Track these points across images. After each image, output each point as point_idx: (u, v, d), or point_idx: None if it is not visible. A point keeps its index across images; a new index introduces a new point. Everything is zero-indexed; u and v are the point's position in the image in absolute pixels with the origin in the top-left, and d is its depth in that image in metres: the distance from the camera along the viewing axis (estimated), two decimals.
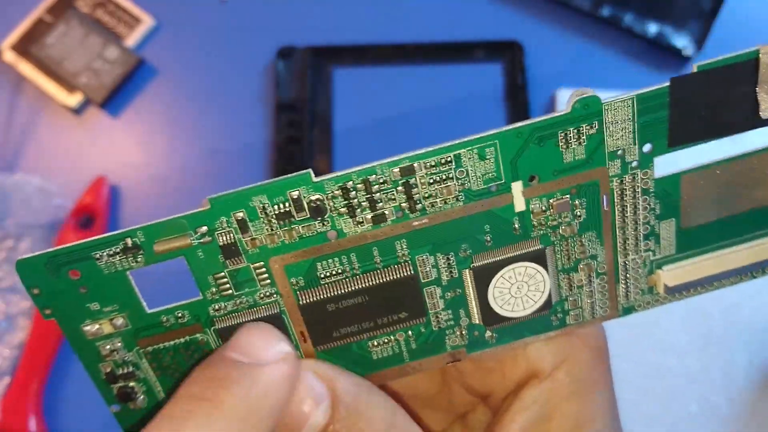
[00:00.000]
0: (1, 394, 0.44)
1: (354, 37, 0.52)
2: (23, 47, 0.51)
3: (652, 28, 0.50)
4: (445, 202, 0.20)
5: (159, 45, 0.52)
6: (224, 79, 0.51)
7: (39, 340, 0.45)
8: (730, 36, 0.51)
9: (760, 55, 0.19)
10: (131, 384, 0.22)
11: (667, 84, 0.19)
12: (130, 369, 0.21)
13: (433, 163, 0.20)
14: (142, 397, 0.22)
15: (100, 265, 0.20)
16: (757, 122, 0.20)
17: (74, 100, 0.50)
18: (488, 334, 0.22)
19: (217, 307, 0.21)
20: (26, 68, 0.50)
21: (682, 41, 0.50)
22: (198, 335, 0.21)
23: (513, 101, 0.49)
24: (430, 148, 0.20)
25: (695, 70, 0.19)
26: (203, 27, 0.53)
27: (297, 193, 0.20)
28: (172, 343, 0.21)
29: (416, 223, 0.20)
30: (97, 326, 0.21)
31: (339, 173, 0.20)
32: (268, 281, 0.21)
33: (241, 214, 0.20)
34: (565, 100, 0.48)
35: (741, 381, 0.43)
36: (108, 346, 0.21)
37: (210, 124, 0.51)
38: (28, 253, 0.46)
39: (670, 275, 0.22)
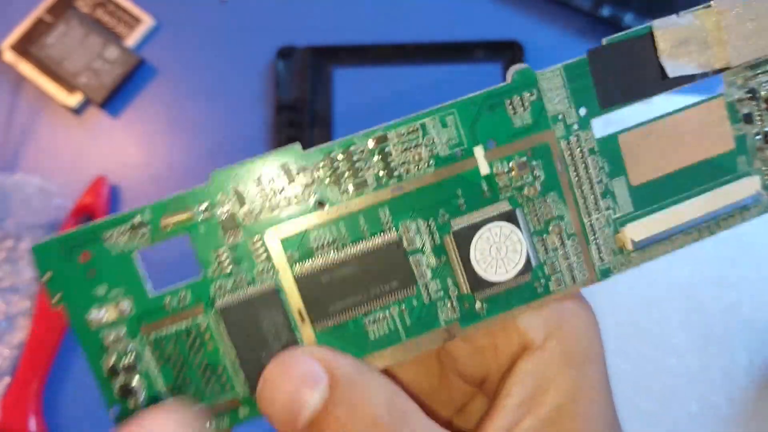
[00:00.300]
0: (1, 394, 0.44)
1: (354, 37, 0.52)
2: (23, 47, 0.51)
3: None
4: (418, 168, 0.22)
5: (159, 45, 0.52)
6: (224, 79, 0.51)
7: (39, 340, 0.45)
8: None
9: (653, 30, 0.23)
10: (133, 382, 0.22)
11: (585, 56, 0.23)
12: (133, 360, 0.22)
13: (403, 132, 0.22)
14: (142, 396, 0.22)
15: (109, 246, 0.21)
16: (668, 85, 0.23)
17: (74, 100, 0.50)
18: (478, 305, 0.23)
19: (218, 285, 0.22)
20: (26, 68, 0.50)
21: None
22: (200, 317, 0.22)
23: None
24: (400, 119, 0.22)
25: (604, 43, 0.23)
26: (203, 27, 0.53)
27: (288, 164, 0.22)
28: (174, 329, 0.22)
29: (395, 189, 0.22)
30: (103, 311, 0.22)
31: (323, 145, 0.22)
32: (265, 255, 0.22)
33: (239, 187, 0.22)
34: None
35: (741, 380, 0.43)
36: (112, 335, 0.22)
37: (210, 124, 0.51)
38: (27, 252, 0.47)
39: (634, 231, 0.23)
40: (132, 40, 0.51)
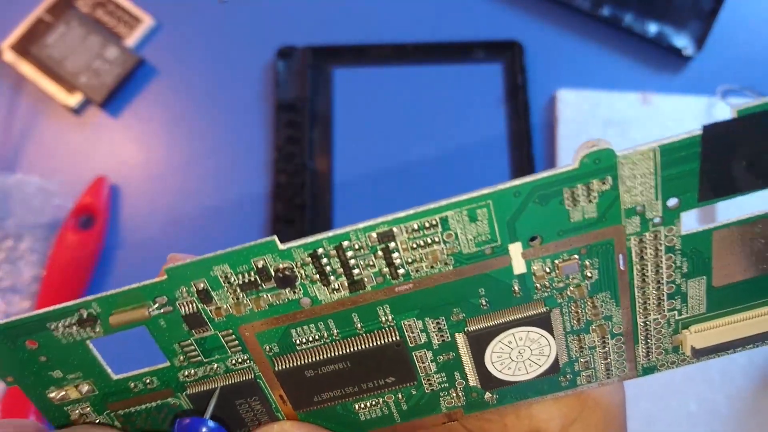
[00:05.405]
0: (1, 394, 0.44)
1: (354, 37, 0.52)
2: (23, 47, 0.51)
3: (652, 28, 0.50)
4: (432, 267, 0.18)
5: (159, 45, 0.52)
6: (224, 79, 0.51)
7: None
8: (730, 36, 0.51)
9: None
10: None
11: (698, 133, 0.17)
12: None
13: (415, 227, 0.17)
14: None
15: (57, 336, 0.19)
16: None
17: (74, 100, 0.50)
18: (488, 395, 0.21)
19: (186, 373, 0.20)
20: (26, 68, 0.50)
21: (682, 41, 0.50)
22: (170, 399, 0.20)
23: (513, 101, 0.49)
24: (411, 211, 0.17)
25: (735, 115, 0.16)
26: (203, 27, 0.53)
27: (262, 262, 0.18)
28: (143, 407, 0.20)
29: (399, 288, 0.18)
30: (63, 393, 0.20)
31: (308, 240, 0.18)
32: (239, 348, 0.19)
33: (202, 285, 0.18)
34: (566, 101, 0.48)
35: (740, 380, 0.43)
36: (77, 411, 0.20)
37: (210, 124, 0.51)
38: (27, 252, 0.47)
39: (699, 337, 0.20)
40: (132, 40, 0.51)
